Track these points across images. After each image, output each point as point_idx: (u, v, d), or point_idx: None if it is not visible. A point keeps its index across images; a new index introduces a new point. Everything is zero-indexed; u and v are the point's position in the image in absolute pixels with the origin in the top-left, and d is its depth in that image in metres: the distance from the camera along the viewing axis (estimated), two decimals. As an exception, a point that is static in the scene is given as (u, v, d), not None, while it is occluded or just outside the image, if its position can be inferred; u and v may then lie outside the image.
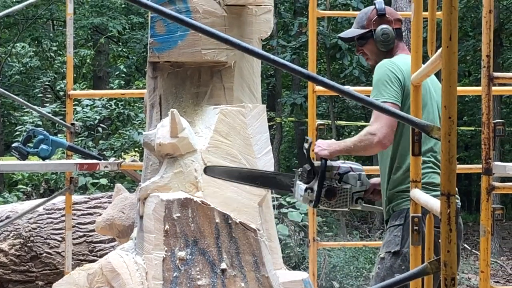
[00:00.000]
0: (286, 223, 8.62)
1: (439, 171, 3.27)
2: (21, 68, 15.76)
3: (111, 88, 12.05)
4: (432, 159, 3.48)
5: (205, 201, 3.43)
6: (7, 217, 5.84)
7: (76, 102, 10.36)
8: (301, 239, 8.70)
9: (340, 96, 10.36)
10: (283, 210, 8.68)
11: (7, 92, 5.72)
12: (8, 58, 15.94)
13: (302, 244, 8.59)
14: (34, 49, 16.28)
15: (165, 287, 3.35)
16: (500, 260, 10.90)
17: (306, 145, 3.30)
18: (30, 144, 4.96)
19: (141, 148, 9.81)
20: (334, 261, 8.47)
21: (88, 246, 5.97)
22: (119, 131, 11.15)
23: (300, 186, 3.30)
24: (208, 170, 3.46)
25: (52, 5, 16.04)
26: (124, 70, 13.64)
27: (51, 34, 17.49)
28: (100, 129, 10.84)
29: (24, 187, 10.67)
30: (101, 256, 4.99)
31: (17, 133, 11.00)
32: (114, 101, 11.17)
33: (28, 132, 5.07)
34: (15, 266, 5.86)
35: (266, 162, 3.66)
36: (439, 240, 1.93)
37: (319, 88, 4.79)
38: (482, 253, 2.79)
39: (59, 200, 5.95)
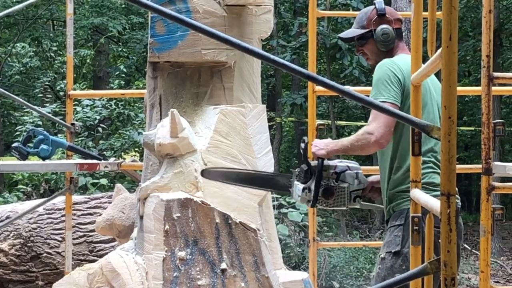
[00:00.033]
0: (286, 223, 8.62)
1: (439, 171, 3.27)
2: (21, 68, 15.76)
3: (111, 88, 12.05)
4: (433, 159, 3.48)
5: (205, 201, 3.43)
6: (7, 217, 5.84)
7: (76, 102, 10.36)
8: (301, 239, 8.70)
9: (340, 96, 10.36)
10: (283, 210, 8.68)
11: (7, 92, 5.72)
12: (8, 58, 15.94)
13: (302, 244, 8.59)
14: (34, 49, 16.28)
15: (165, 287, 3.35)
16: (500, 260, 10.90)
17: (302, 145, 3.31)
18: (30, 144, 4.96)
19: (141, 148, 9.81)
20: (334, 261, 8.47)
21: (88, 246, 5.97)
22: (119, 131, 11.15)
23: (298, 186, 3.30)
24: (206, 173, 3.46)
25: (52, 5, 16.05)
26: (124, 70, 13.64)
27: (51, 34, 17.49)
28: (100, 129, 10.84)
29: (24, 187, 10.67)
30: (101, 256, 4.99)
31: (17, 133, 11.00)
32: (114, 101, 11.17)
33: (28, 132, 5.07)
34: (15, 266, 5.86)
35: (266, 162, 3.66)
36: (439, 240, 1.93)
37: (319, 88, 4.79)
38: (482, 253, 2.79)
39: (59, 200, 5.95)
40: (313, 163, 3.32)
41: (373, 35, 3.67)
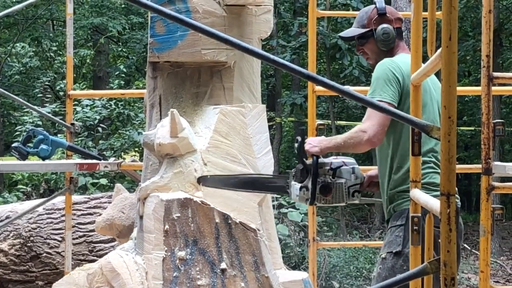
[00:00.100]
0: (286, 223, 8.62)
1: (440, 171, 3.27)
2: (21, 68, 15.75)
3: (111, 88, 12.05)
4: (433, 159, 3.48)
5: (205, 201, 3.43)
6: (7, 217, 5.84)
7: (76, 102, 10.36)
8: (301, 239, 8.70)
9: (340, 96, 10.36)
10: (283, 210, 8.68)
11: (7, 92, 5.72)
12: (8, 58, 15.93)
13: (302, 244, 8.59)
14: (34, 49, 16.28)
15: (165, 287, 3.35)
16: (500, 260, 10.90)
17: (296, 145, 3.31)
18: (30, 144, 4.96)
19: (141, 148, 9.81)
20: (334, 261, 8.47)
21: (88, 246, 5.96)
22: (119, 131, 11.15)
23: (295, 186, 3.30)
24: (202, 180, 3.46)
25: (52, 5, 16.04)
26: (124, 70, 13.64)
27: (51, 34, 17.49)
28: (100, 129, 10.84)
29: (24, 187, 10.67)
30: (101, 256, 4.99)
31: (17, 133, 11.00)
32: (114, 101, 11.16)
33: (28, 132, 5.07)
34: (15, 266, 5.86)
35: (266, 162, 3.66)
36: (440, 240, 1.93)
37: (319, 88, 4.79)
38: (482, 253, 2.79)
39: (59, 200, 5.95)
40: (309, 162, 3.32)
41: (373, 34, 3.67)
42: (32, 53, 15.83)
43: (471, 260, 10.34)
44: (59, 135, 9.56)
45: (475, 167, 5.27)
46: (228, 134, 3.56)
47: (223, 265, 3.37)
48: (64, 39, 10.45)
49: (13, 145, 5.10)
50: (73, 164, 4.86)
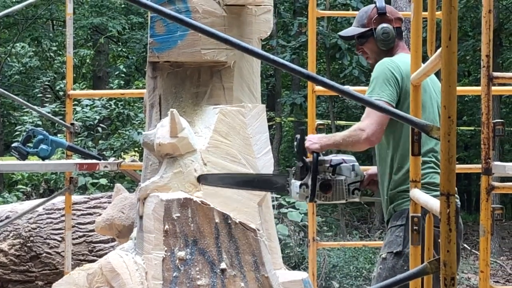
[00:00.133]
0: (286, 223, 8.62)
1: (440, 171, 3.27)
2: (21, 68, 15.76)
3: (111, 88, 12.05)
4: (433, 159, 3.48)
5: (205, 201, 3.42)
6: (6, 217, 5.83)
7: (75, 102, 10.36)
8: (301, 239, 8.70)
9: (340, 96, 10.36)
10: (283, 210, 8.68)
11: (7, 92, 5.72)
12: (8, 58, 15.93)
13: (301, 244, 8.59)
14: (34, 49, 16.28)
15: (165, 287, 3.35)
16: (500, 260, 10.90)
17: (295, 143, 3.31)
18: (30, 144, 4.96)
19: (140, 148, 9.80)
20: (333, 261, 8.47)
21: (88, 246, 5.96)
22: (119, 131, 11.15)
23: (295, 184, 3.30)
24: (202, 179, 3.46)
25: (51, 5, 16.04)
26: (124, 70, 13.64)
27: (50, 34, 17.49)
28: (99, 129, 10.84)
29: (24, 187, 10.67)
30: (101, 256, 4.99)
31: (17, 133, 11.00)
32: (114, 101, 11.16)
33: (27, 132, 5.07)
34: (15, 266, 5.86)
35: (265, 162, 3.66)
36: (439, 240, 1.93)
37: (318, 88, 4.79)
38: (481, 253, 2.79)
39: (58, 200, 5.95)
40: (308, 159, 3.33)
41: (373, 34, 3.67)
42: (32, 53, 15.84)
43: (471, 260, 10.34)
44: (59, 135, 9.56)
45: (475, 167, 5.27)
46: (228, 134, 3.56)
47: (223, 265, 3.37)
48: (64, 39, 10.46)
49: (13, 145, 5.10)
50: (73, 164, 4.85)
